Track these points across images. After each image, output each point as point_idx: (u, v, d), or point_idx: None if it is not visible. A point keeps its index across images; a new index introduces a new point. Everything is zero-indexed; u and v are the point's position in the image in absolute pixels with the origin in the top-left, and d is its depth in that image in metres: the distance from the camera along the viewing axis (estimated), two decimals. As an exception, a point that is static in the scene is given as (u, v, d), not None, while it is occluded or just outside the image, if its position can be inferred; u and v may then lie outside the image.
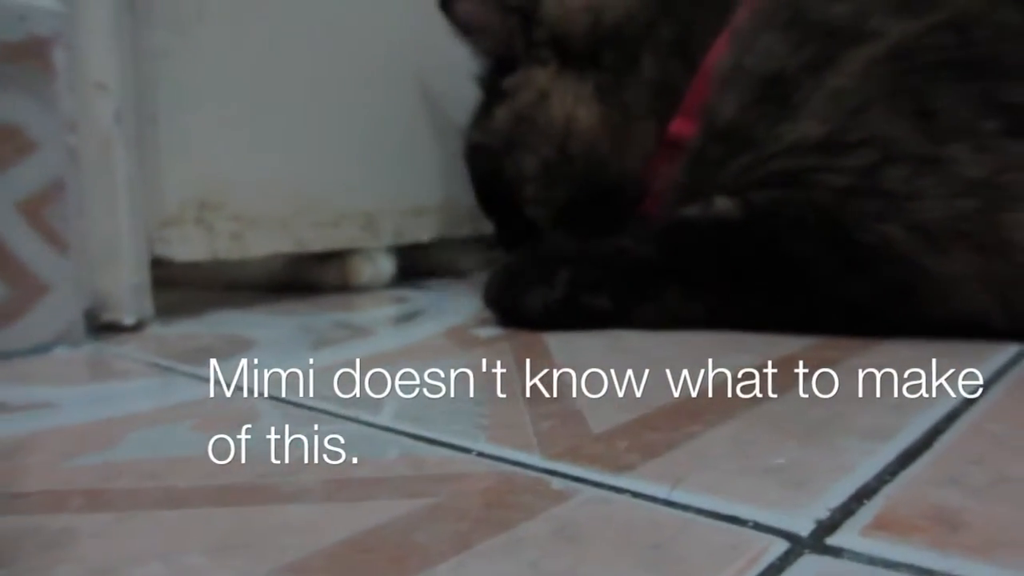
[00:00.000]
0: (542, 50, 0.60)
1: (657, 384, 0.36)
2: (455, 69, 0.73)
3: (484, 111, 0.63)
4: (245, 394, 0.37)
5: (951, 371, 0.37)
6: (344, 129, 0.65)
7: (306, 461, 0.28)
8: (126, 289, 0.52)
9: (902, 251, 0.43)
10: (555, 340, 0.46)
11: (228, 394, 0.37)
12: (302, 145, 0.62)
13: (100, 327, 0.51)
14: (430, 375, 0.39)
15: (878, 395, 0.34)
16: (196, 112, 0.57)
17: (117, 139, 0.51)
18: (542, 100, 0.59)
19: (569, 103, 0.58)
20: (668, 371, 0.39)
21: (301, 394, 0.36)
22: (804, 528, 0.22)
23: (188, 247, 0.56)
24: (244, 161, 0.59)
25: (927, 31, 0.46)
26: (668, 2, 0.57)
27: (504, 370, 0.40)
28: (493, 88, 0.62)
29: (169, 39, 0.55)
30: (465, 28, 0.63)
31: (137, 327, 0.52)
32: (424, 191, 0.71)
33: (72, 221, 0.48)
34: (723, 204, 0.48)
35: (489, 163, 0.62)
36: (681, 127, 0.54)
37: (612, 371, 0.39)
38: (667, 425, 0.31)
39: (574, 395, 0.35)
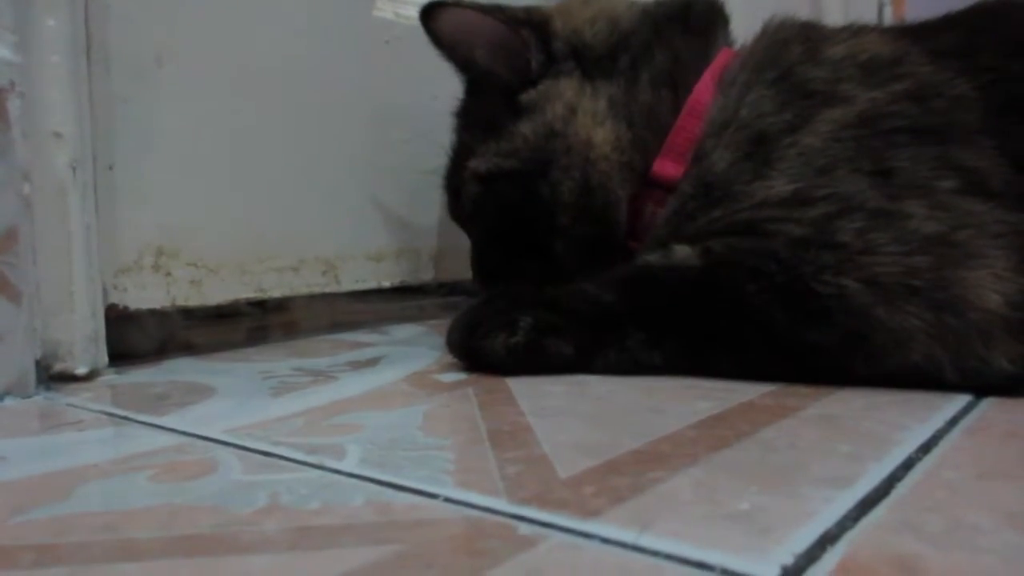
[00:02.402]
0: (564, 63, 0.58)
1: (620, 430, 0.37)
2: (416, 114, 0.74)
3: (492, 135, 0.59)
4: (204, 443, 0.36)
5: (905, 420, 0.38)
6: (304, 174, 0.65)
7: (268, 510, 0.27)
8: (79, 338, 0.51)
9: (857, 303, 0.44)
10: (518, 385, 0.46)
11: (187, 443, 0.36)
12: (262, 190, 0.62)
13: (52, 376, 0.50)
14: (394, 420, 0.39)
15: (835, 443, 0.35)
16: (154, 158, 0.56)
17: (72, 187, 0.51)
18: (571, 116, 0.57)
19: (589, 123, 0.56)
20: (631, 417, 0.39)
21: (262, 442, 0.35)
22: (770, 574, 0.22)
23: (145, 294, 0.56)
24: (203, 207, 0.59)
25: (890, 100, 0.48)
26: (659, 29, 0.58)
27: (468, 415, 0.40)
28: (500, 110, 0.59)
29: (127, 85, 0.55)
30: (451, 44, 0.61)
31: (90, 376, 0.51)
32: (384, 237, 0.71)
33: (26, 270, 0.47)
34: (683, 252, 0.49)
35: (516, 188, 0.57)
36: (666, 167, 0.55)
37: (576, 416, 0.39)
38: (632, 470, 0.31)
39: (539, 440, 0.35)
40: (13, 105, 0.48)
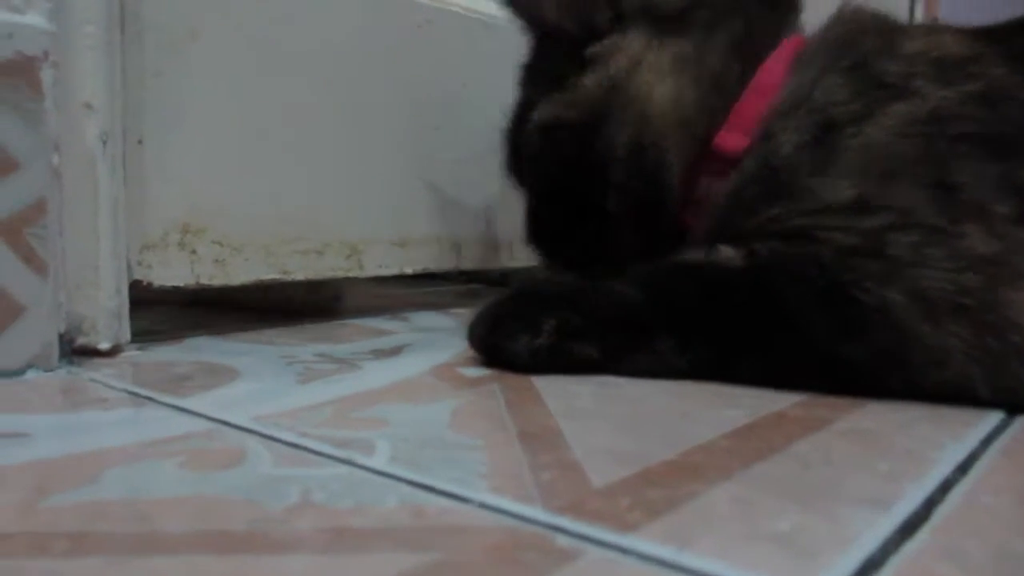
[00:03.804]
0: (633, 18, 0.57)
1: (652, 437, 0.36)
2: (446, 101, 0.73)
3: (556, 88, 0.58)
4: (232, 430, 0.36)
5: (939, 437, 0.37)
6: (332, 157, 0.64)
7: (300, 507, 0.27)
8: (103, 313, 0.51)
9: (899, 316, 0.43)
10: (544, 383, 0.46)
11: (214, 429, 0.36)
12: (290, 171, 0.62)
13: (74, 351, 0.49)
14: (421, 416, 0.38)
15: (871, 460, 0.34)
16: (184, 134, 0.56)
17: (102, 160, 0.50)
18: (634, 69, 0.55)
19: (651, 79, 0.55)
20: (662, 423, 0.39)
21: (290, 432, 0.35)
22: (817, 600, 0.22)
23: (169, 271, 0.55)
24: (230, 186, 0.58)
25: (962, 100, 0.47)
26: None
27: (496, 414, 0.39)
28: (565, 64, 0.58)
29: (160, 59, 0.55)
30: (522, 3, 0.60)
31: (113, 352, 0.51)
32: (409, 223, 0.70)
33: (53, 242, 0.47)
34: (726, 252, 0.48)
35: (573, 140, 0.56)
36: (729, 140, 0.53)
37: (605, 420, 0.39)
38: (667, 482, 0.30)
39: (570, 444, 0.34)
40: (46, 75, 0.47)
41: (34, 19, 0.47)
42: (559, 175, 0.59)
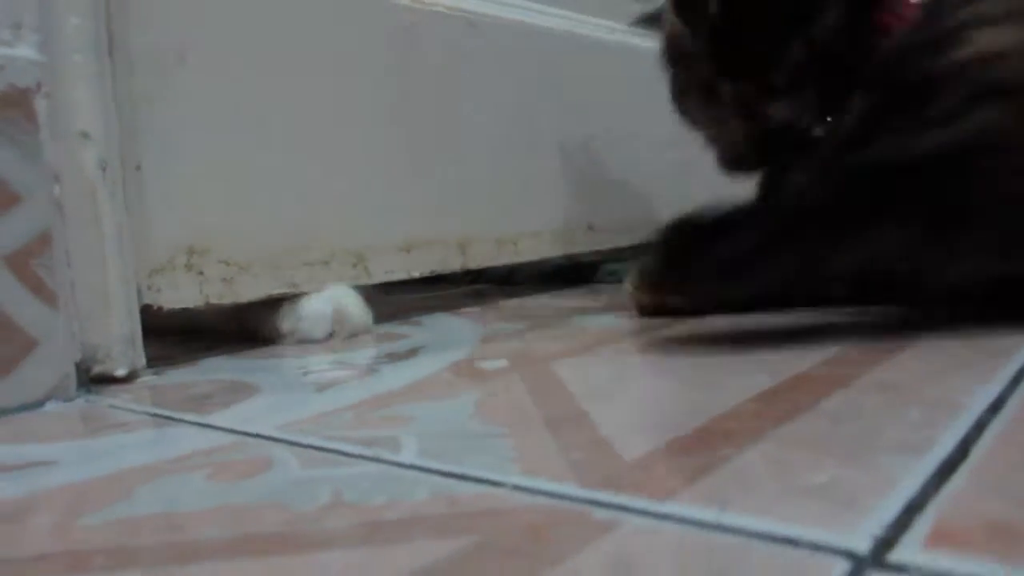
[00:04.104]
0: None
1: (678, 409, 0.36)
2: (438, 103, 0.73)
3: None
4: (256, 440, 0.36)
5: (967, 383, 0.37)
6: (330, 167, 0.64)
7: (332, 506, 0.27)
8: (116, 339, 0.50)
9: None
10: (564, 370, 0.45)
11: (239, 441, 0.36)
12: (289, 184, 0.62)
13: (91, 379, 0.49)
14: (445, 410, 0.38)
15: (901, 410, 0.34)
16: (181, 156, 0.56)
17: (102, 188, 0.50)
18: None
19: None
20: (685, 395, 0.38)
21: (315, 437, 0.35)
22: (863, 547, 0.22)
23: (179, 294, 0.55)
24: (232, 204, 0.58)
25: None
26: None
27: (520, 402, 0.39)
28: None
29: (150, 84, 0.55)
30: None
31: (130, 377, 0.51)
32: (413, 226, 0.70)
33: (61, 273, 0.47)
34: None
35: None
36: None
37: (629, 398, 0.39)
38: (699, 449, 0.30)
39: (597, 424, 0.34)
40: (40, 106, 0.47)
41: (24, 51, 0.47)
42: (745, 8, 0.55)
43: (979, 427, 0.31)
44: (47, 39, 0.48)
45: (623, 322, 0.61)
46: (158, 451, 0.35)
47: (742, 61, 0.56)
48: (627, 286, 0.61)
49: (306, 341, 0.60)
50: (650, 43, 0.94)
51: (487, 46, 0.78)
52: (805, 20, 0.54)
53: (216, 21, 0.58)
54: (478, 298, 0.85)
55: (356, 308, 0.63)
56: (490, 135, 0.78)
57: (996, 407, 0.33)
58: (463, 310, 0.75)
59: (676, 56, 0.63)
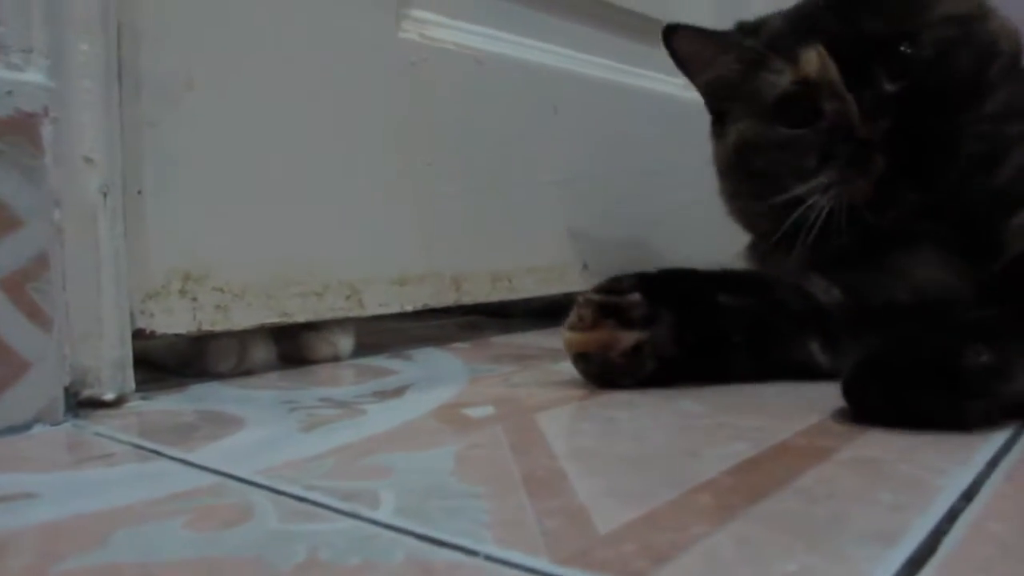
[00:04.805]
0: None
1: (656, 476, 0.36)
2: (439, 136, 0.73)
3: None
4: (238, 485, 0.36)
5: (943, 464, 0.37)
6: (329, 199, 0.65)
7: (308, 566, 0.27)
8: (107, 364, 0.51)
9: None
10: (548, 422, 0.46)
11: (220, 484, 0.36)
12: (287, 215, 0.62)
13: (79, 403, 0.50)
14: (426, 463, 0.39)
15: (875, 492, 0.34)
16: (183, 182, 0.56)
17: (102, 212, 0.51)
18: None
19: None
20: (666, 461, 0.39)
21: (296, 485, 0.35)
22: (824, 646, 0.22)
23: (172, 319, 0.55)
24: (230, 232, 0.59)
25: None
26: None
27: (501, 458, 0.39)
28: None
29: (157, 110, 0.55)
30: None
31: (118, 402, 0.51)
32: (408, 260, 0.71)
33: (56, 296, 0.47)
34: None
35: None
36: None
37: (610, 460, 0.39)
38: (673, 525, 0.30)
39: (575, 488, 0.35)
40: (46, 131, 0.48)
41: (34, 76, 0.48)
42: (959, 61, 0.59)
43: (951, 516, 0.31)
44: (56, 64, 0.49)
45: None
46: (139, 490, 0.35)
47: (918, 143, 0.57)
48: None
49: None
50: (647, 83, 0.96)
51: (491, 83, 0.78)
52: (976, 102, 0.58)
53: (226, 49, 0.59)
54: (471, 331, 0.85)
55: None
56: (489, 171, 0.78)
57: (970, 494, 0.34)
58: (454, 345, 0.75)
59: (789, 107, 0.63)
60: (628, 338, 0.52)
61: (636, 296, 0.52)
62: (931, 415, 0.42)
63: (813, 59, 0.59)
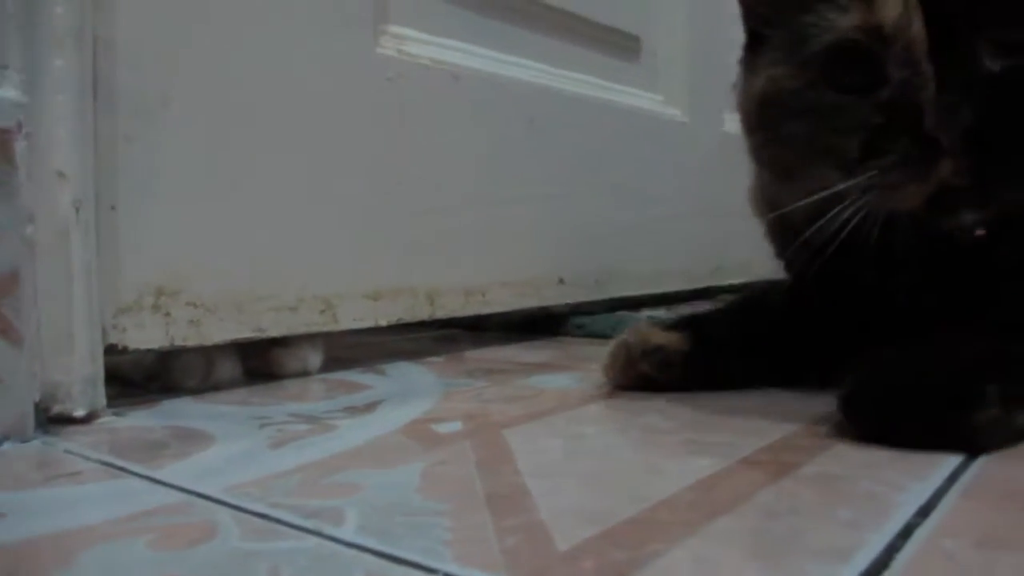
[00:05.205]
0: None
1: (618, 493, 0.37)
2: (415, 153, 0.74)
3: None
4: (204, 503, 0.36)
5: (903, 480, 0.38)
6: (303, 215, 0.65)
7: (268, 584, 0.27)
8: (78, 380, 0.51)
9: None
10: (516, 438, 0.46)
11: (186, 503, 0.36)
12: (261, 230, 0.62)
13: (50, 419, 0.50)
14: (392, 480, 0.39)
15: (834, 508, 0.35)
16: (157, 197, 0.56)
17: (75, 227, 0.51)
18: None
19: None
20: (628, 477, 0.39)
21: (260, 503, 0.35)
22: (770, 663, 0.22)
23: (144, 334, 0.56)
24: (204, 247, 0.59)
25: None
26: None
27: (466, 475, 0.40)
28: None
29: (132, 125, 0.55)
30: None
31: (88, 418, 0.51)
32: (382, 275, 0.71)
33: (28, 312, 0.47)
34: None
35: None
36: None
37: (573, 477, 0.39)
38: (631, 542, 0.31)
39: (537, 505, 0.35)
40: (19, 147, 0.48)
41: (7, 92, 0.48)
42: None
43: (906, 532, 0.32)
44: (31, 79, 0.49)
45: (583, 386, 0.62)
46: (106, 509, 0.36)
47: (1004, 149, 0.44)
48: None
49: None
50: (624, 98, 0.97)
51: (468, 98, 0.79)
52: None
53: (203, 66, 0.59)
54: (446, 344, 0.85)
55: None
56: (464, 185, 0.79)
57: (926, 510, 0.34)
58: (429, 359, 0.76)
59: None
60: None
61: None
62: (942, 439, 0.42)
63: (894, 2, 0.44)
